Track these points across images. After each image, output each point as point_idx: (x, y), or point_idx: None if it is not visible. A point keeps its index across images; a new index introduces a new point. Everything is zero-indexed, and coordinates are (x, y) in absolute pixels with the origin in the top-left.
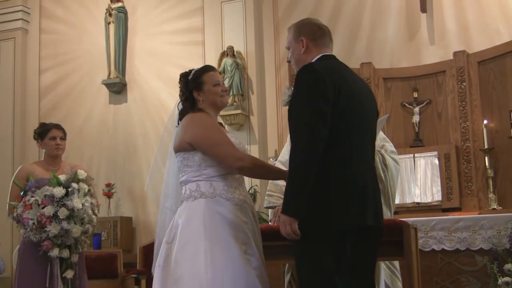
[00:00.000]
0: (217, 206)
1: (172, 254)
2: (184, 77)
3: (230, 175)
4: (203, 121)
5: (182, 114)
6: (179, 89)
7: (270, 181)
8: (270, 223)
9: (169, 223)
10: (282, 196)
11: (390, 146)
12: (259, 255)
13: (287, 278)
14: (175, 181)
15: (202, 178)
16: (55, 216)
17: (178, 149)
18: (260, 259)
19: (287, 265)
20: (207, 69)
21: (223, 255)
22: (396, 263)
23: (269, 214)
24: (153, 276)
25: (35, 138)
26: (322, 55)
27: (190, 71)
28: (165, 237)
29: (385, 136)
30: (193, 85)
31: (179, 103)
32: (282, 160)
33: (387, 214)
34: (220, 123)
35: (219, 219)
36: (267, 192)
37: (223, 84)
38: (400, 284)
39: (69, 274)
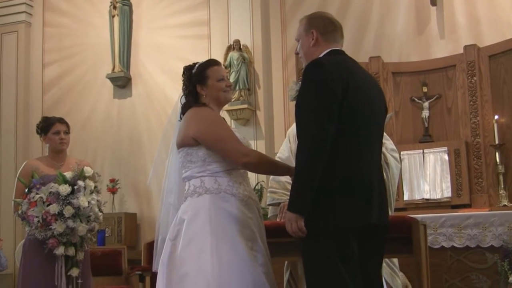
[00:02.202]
0: (223, 202)
1: (176, 251)
2: (187, 70)
3: (234, 171)
4: (207, 115)
5: (185, 108)
6: (182, 82)
7: (271, 178)
8: (277, 220)
9: (172, 219)
10: (286, 192)
11: (390, 144)
12: (264, 251)
13: (286, 276)
14: (177, 176)
15: (207, 174)
16: (60, 214)
17: (182, 144)
18: (266, 255)
19: (286, 263)
20: (211, 63)
21: (229, 251)
22: (396, 260)
23: (269, 212)
24: (157, 273)
25: (38, 133)
26: (331, 50)
27: (194, 64)
28: (168, 233)
29: (385, 134)
30: (196, 79)
31: (182, 96)
32: (281, 156)
33: None
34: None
35: (224, 215)
36: (269, 189)
37: (228, 79)
38: (399, 281)
39: (74, 272)
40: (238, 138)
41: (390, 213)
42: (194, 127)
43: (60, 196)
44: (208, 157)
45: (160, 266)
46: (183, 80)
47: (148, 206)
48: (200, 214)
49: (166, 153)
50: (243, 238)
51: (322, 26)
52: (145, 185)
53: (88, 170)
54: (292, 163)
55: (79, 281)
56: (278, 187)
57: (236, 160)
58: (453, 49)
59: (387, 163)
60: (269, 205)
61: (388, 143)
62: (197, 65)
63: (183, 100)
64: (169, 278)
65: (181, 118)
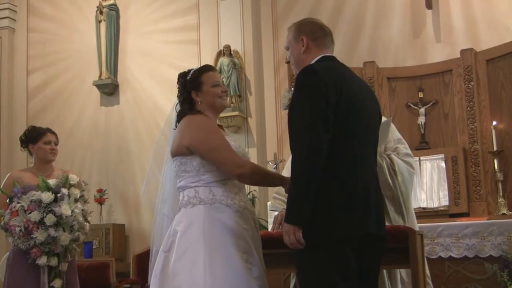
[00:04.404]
0: (217, 213)
1: (169, 263)
2: (182, 77)
3: (229, 181)
4: (201, 123)
5: (180, 116)
6: (177, 89)
7: None
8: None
9: (166, 230)
10: (285, 200)
11: (404, 148)
12: (260, 263)
13: (292, 282)
14: (172, 186)
15: (201, 184)
16: (41, 222)
17: (176, 153)
18: (261, 267)
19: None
20: (206, 69)
21: (223, 264)
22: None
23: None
24: (148, 286)
25: (22, 142)
26: (323, 56)
27: (189, 71)
28: (162, 245)
29: (400, 137)
30: (191, 85)
31: (177, 104)
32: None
33: (399, 222)
34: (220, 126)
35: (219, 227)
36: (273, 194)
37: (223, 85)
38: None
39: (57, 283)
40: (232, 148)
41: (402, 222)
42: (188, 135)
43: (41, 204)
44: (202, 166)
45: (153, 278)
46: (178, 88)
47: (137, 217)
48: (193, 225)
49: (158, 166)
50: (238, 250)
51: (312, 32)
52: (133, 195)
53: (73, 178)
54: None
55: None
56: (280, 193)
57: (230, 171)
58: (450, 53)
59: (394, 170)
60: (271, 210)
61: (402, 147)
62: (191, 72)
63: (178, 108)
64: None
65: (176, 126)
